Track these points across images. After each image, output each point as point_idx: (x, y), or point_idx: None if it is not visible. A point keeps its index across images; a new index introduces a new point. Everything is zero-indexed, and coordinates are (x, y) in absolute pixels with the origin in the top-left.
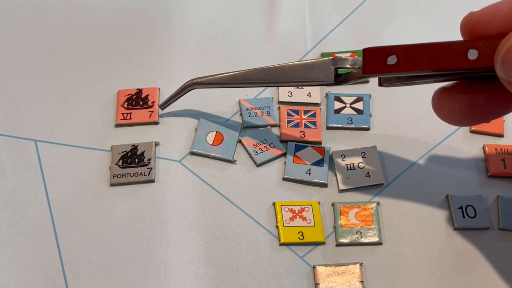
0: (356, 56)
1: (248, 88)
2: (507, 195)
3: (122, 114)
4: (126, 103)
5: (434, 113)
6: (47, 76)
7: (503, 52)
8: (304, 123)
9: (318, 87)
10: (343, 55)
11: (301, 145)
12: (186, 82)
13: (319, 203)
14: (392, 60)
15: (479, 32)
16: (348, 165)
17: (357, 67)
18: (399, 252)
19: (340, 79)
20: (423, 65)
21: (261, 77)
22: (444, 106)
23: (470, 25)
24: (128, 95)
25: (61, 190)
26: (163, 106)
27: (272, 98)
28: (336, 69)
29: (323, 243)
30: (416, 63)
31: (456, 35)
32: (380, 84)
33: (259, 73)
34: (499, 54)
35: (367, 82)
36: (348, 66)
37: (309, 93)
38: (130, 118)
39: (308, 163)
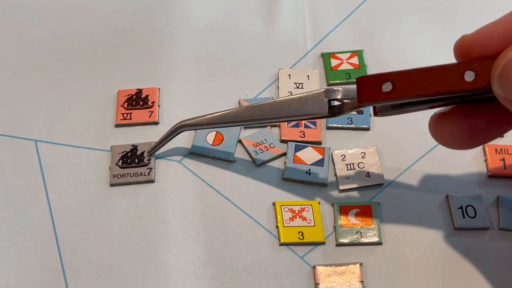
0: (349, 86)
1: (244, 125)
2: (507, 195)
3: (122, 114)
4: (126, 103)
5: (433, 139)
6: (47, 76)
7: (499, 69)
8: (304, 123)
9: (318, 86)
10: (336, 87)
11: (301, 145)
12: (174, 126)
13: (319, 203)
14: (387, 87)
15: (474, 55)
16: (348, 165)
17: (350, 97)
18: (399, 252)
19: (334, 110)
20: (420, 90)
21: (253, 114)
22: (443, 132)
23: (464, 48)
24: (128, 95)
25: (61, 190)
26: (151, 151)
27: (272, 98)
28: (329, 100)
29: (323, 243)
30: (412, 89)
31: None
32: (375, 114)
33: (250, 111)
34: (496, 71)
35: (362, 113)
36: (340, 97)
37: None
38: (130, 118)
39: (308, 163)
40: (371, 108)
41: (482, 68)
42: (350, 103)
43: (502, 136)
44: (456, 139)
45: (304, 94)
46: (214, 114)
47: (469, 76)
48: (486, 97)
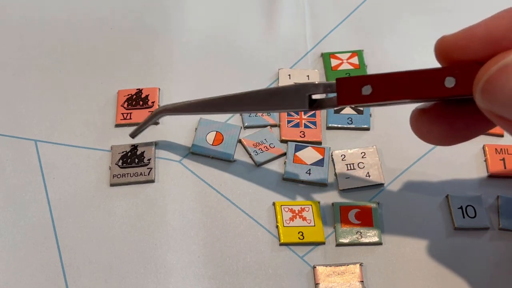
0: (330, 82)
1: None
2: (507, 195)
3: (122, 114)
4: (126, 103)
5: (413, 133)
6: (47, 76)
7: (482, 83)
8: (304, 123)
9: None
10: (316, 82)
11: (301, 145)
12: (156, 110)
13: (319, 203)
14: (367, 90)
15: (454, 56)
16: (348, 165)
17: (330, 92)
18: (399, 252)
19: (316, 105)
20: (399, 95)
21: (233, 104)
22: (422, 128)
23: (444, 49)
24: (128, 95)
25: (61, 190)
26: (134, 135)
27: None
28: (309, 95)
29: (323, 243)
30: (392, 93)
31: None
32: (354, 108)
33: (231, 100)
34: (478, 84)
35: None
36: (320, 92)
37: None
38: (130, 118)
39: (308, 163)
40: (371, 108)
41: (463, 75)
42: (330, 99)
43: (502, 136)
44: (434, 136)
45: (283, 86)
46: (194, 100)
47: (449, 82)
48: (465, 99)
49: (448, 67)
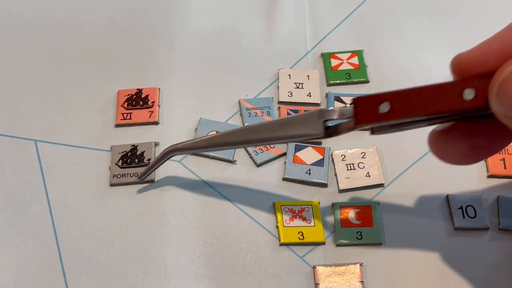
0: (345, 106)
1: (234, 148)
2: (507, 195)
3: (122, 114)
4: (126, 103)
5: (433, 155)
6: (47, 76)
7: (497, 86)
8: None
9: (318, 86)
10: (330, 108)
11: (301, 145)
12: (165, 150)
13: (319, 203)
14: (384, 107)
15: (472, 72)
16: (348, 165)
17: (346, 117)
18: (399, 252)
19: (331, 131)
20: (418, 111)
21: (246, 137)
22: (445, 150)
23: (461, 66)
24: (128, 95)
25: (61, 190)
26: (142, 177)
27: (272, 98)
28: (324, 121)
29: (323, 243)
30: (410, 109)
31: (455, 35)
32: (372, 133)
33: (244, 133)
34: (493, 88)
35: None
36: (336, 117)
37: (309, 93)
38: (130, 118)
39: (308, 163)
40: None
41: (482, 86)
42: (346, 123)
43: None
44: (457, 156)
45: (298, 115)
46: (205, 137)
47: (468, 94)
48: (485, 114)
49: (466, 78)
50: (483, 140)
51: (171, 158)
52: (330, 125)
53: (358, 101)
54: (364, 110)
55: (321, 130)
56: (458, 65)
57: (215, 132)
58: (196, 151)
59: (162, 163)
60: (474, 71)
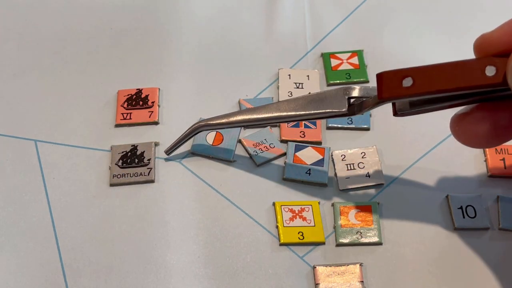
0: (368, 85)
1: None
2: (507, 195)
3: (122, 114)
4: (126, 103)
5: (456, 139)
6: (47, 76)
7: None
8: (304, 123)
9: (318, 86)
10: (353, 85)
11: (301, 145)
12: (193, 125)
13: (319, 203)
14: (408, 82)
15: (494, 52)
16: (348, 165)
17: (368, 96)
18: (399, 252)
19: (354, 108)
20: (441, 85)
21: (272, 113)
22: (466, 131)
23: (485, 46)
24: (128, 95)
25: (61, 190)
26: (169, 151)
27: (272, 98)
28: (349, 98)
29: (323, 243)
30: (433, 84)
31: (455, 35)
32: (395, 114)
33: (269, 110)
34: (509, 65)
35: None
36: (358, 95)
37: (309, 93)
38: (130, 118)
39: (308, 163)
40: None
41: (503, 64)
42: (369, 100)
43: None
44: (480, 138)
45: (322, 92)
46: (235, 113)
47: (490, 71)
48: (507, 95)
49: (488, 57)
50: (505, 121)
51: (171, 158)
52: (353, 103)
53: (382, 76)
54: (387, 84)
55: (346, 106)
56: (481, 44)
57: (215, 132)
58: (226, 126)
59: (190, 138)
60: (496, 51)
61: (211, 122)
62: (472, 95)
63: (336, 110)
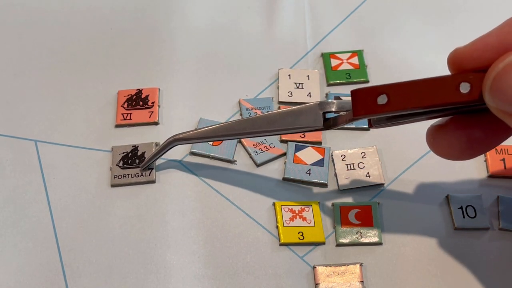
0: (343, 99)
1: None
2: (507, 195)
3: (122, 114)
4: (126, 103)
5: (431, 150)
6: (47, 76)
7: (490, 81)
8: None
9: (318, 86)
10: (329, 100)
11: (301, 145)
12: (167, 140)
13: (319, 203)
14: (382, 99)
15: (468, 67)
16: (348, 165)
17: (345, 110)
18: (399, 252)
19: (329, 123)
20: (415, 103)
21: (246, 127)
22: (442, 144)
23: (458, 61)
24: (128, 95)
25: (61, 190)
26: (144, 166)
27: (272, 98)
28: (324, 113)
29: (323, 243)
30: (408, 101)
31: (456, 35)
32: (370, 126)
33: (243, 124)
34: (487, 83)
35: (355, 123)
36: (334, 110)
37: (309, 93)
38: (130, 119)
39: (308, 163)
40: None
41: (477, 80)
42: (344, 115)
43: None
44: (454, 151)
45: (298, 107)
46: (207, 128)
47: (464, 87)
48: (481, 108)
49: (462, 73)
50: (480, 135)
51: (171, 158)
52: (329, 117)
53: (356, 93)
54: (362, 102)
55: (321, 121)
56: (454, 59)
57: None
58: (198, 141)
59: (164, 153)
60: (470, 66)
61: (183, 136)
62: (448, 109)
63: (311, 126)
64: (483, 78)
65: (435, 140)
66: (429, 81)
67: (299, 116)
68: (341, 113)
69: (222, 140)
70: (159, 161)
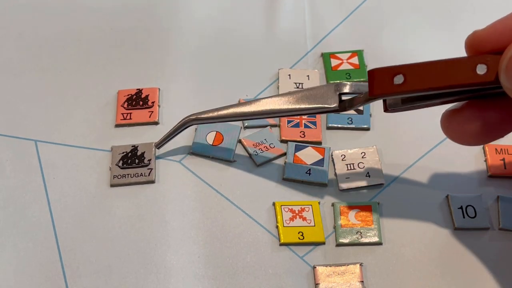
0: (360, 82)
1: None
2: (507, 195)
3: (122, 114)
4: (126, 103)
5: (446, 135)
6: (47, 76)
7: (506, 60)
8: (304, 123)
9: (318, 83)
10: (344, 81)
11: (301, 145)
12: (183, 119)
13: (319, 203)
14: (399, 79)
15: (486, 49)
16: (348, 165)
17: (360, 92)
18: (399, 252)
19: (345, 104)
20: (431, 83)
21: (261, 108)
22: (456, 128)
23: (476, 44)
24: (128, 95)
25: (61, 190)
26: (159, 145)
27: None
28: (340, 94)
29: (323, 243)
30: (424, 81)
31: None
32: (386, 110)
33: (260, 104)
34: (503, 63)
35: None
36: (350, 91)
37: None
38: (130, 118)
39: (308, 163)
40: (370, 108)
41: (494, 62)
42: (360, 97)
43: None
44: (469, 136)
45: (316, 87)
46: (224, 111)
47: (481, 69)
48: (497, 92)
49: (479, 55)
50: (495, 119)
51: (171, 158)
52: (344, 99)
53: (373, 73)
54: (378, 81)
55: (336, 102)
56: (473, 42)
57: (215, 132)
58: (215, 120)
59: (180, 132)
60: (488, 48)
61: (201, 116)
62: (464, 93)
63: (326, 106)
64: (500, 59)
65: (450, 125)
66: (446, 62)
67: (315, 96)
68: (356, 95)
69: (238, 120)
70: (159, 161)
